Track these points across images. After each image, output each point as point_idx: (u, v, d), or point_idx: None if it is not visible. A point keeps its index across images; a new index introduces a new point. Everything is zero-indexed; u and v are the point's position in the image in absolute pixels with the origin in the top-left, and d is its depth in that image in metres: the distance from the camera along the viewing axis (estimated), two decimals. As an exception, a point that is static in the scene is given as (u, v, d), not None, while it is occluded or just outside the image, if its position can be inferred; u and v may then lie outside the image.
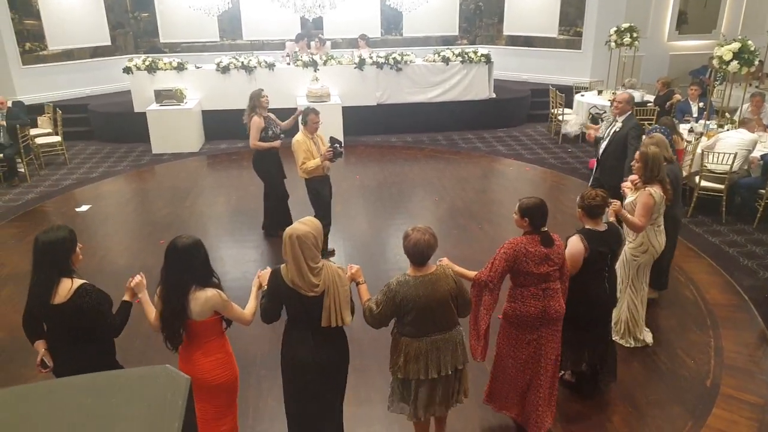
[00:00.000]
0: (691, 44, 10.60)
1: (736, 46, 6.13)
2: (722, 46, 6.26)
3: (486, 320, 2.86)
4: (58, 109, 8.25)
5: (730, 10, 10.51)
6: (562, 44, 10.48)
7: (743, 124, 6.06)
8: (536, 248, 2.81)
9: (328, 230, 5.02)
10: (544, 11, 10.48)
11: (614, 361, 3.47)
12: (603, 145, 4.92)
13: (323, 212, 4.93)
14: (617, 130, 4.85)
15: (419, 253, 2.56)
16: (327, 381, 2.63)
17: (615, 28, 8.80)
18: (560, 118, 8.74)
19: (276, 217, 5.52)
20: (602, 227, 3.13)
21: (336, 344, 2.61)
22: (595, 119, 7.82)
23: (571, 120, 8.62)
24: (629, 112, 4.87)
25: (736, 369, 3.65)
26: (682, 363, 3.72)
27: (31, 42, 9.49)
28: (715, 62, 6.50)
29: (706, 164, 5.80)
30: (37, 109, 8.66)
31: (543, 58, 10.61)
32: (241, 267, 5.01)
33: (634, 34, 8.64)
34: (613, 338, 3.61)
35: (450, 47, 9.62)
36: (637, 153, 3.73)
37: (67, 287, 2.44)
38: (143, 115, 8.43)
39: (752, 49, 6.17)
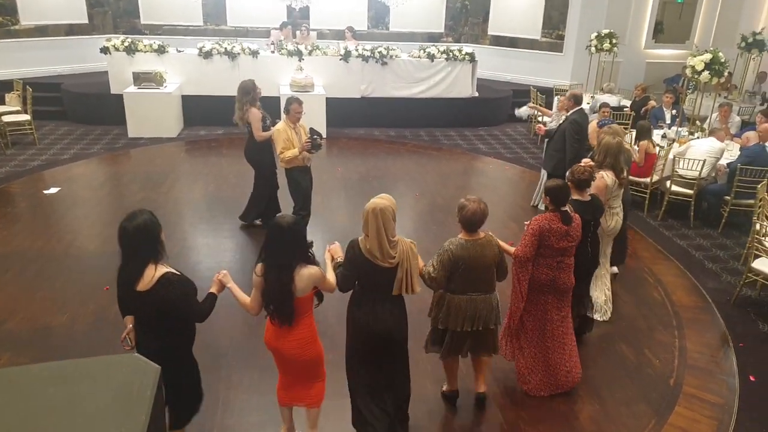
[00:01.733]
0: (666, 53, 10.90)
1: (707, 57, 6.33)
2: (695, 57, 6.45)
3: (525, 285, 3.26)
4: (28, 86, 7.93)
5: (703, 22, 10.85)
6: (545, 46, 10.62)
7: (713, 132, 6.26)
8: (557, 225, 3.18)
9: (306, 221, 4.98)
10: (529, 13, 10.59)
11: (591, 317, 4.00)
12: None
13: (302, 203, 4.89)
14: (561, 123, 5.55)
15: (477, 221, 2.93)
16: (388, 348, 2.83)
17: (596, 34, 8.97)
18: (540, 118, 8.87)
19: (259, 208, 5.39)
20: (587, 198, 3.56)
21: (397, 313, 2.82)
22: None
23: (524, 108, 8.84)
24: (577, 108, 5.43)
25: (698, 369, 3.78)
26: (648, 362, 3.84)
27: (3, 16, 9.09)
28: (687, 71, 6.69)
29: (677, 170, 5.97)
30: (6, 86, 8.31)
31: (525, 59, 10.74)
32: (217, 256, 4.93)
33: (614, 41, 8.83)
34: None
35: (435, 44, 9.64)
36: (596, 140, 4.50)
37: (150, 275, 2.41)
38: (120, 97, 8.18)
39: (722, 60, 6.38)
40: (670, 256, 5.34)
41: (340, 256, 2.87)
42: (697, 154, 5.92)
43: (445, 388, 3.39)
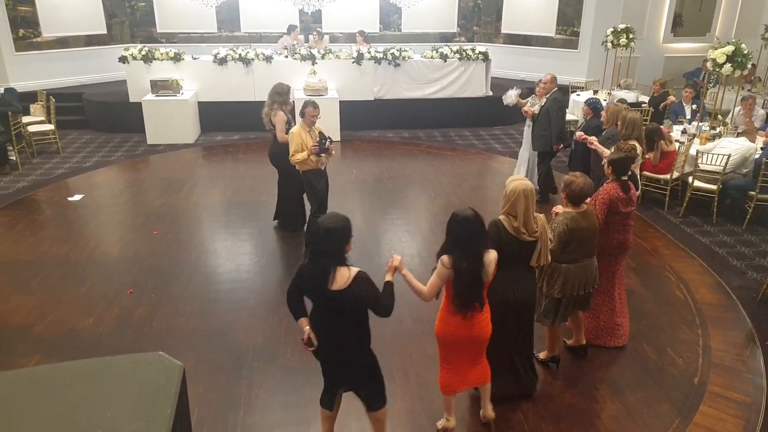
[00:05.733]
0: (685, 47, 10.67)
1: (729, 49, 6.17)
2: (716, 49, 6.30)
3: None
4: (51, 97, 8.17)
5: (725, 13, 10.59)
6: (560, 44, 10.50)
7: (745, 133, 6.16)
8: (619, 193, 3.54)
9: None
10: (542, 11, 10.50)
11: None
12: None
13: (318, 205, 4.93)
14: (542, 104, 6.07)
15: (585, 194, 3.29)
16: (523, 315, 3.16)
17: (611, 29, 8.83)
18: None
19: (290, 210, 5.45)
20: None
21: (533, 283, 3.17)
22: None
23: (511, 93, 8.43)
24: (555, 89, 6.00)
25: (723, 368, 3.70)
26: (671, 361, 3.77)
27: (25, 29, 9.37)
28: (708, 65, 6.54)
29: (700, 165, 5.84)
30: (30, 97, 8.56)
31: (540, 57, 10.63)
32: (235, 259, 5.00)
33: (630, 36, 8.68)
34: None
35: (448, 44, 9.61)
36: (605, 112, 5.17)
37: (345, 275, 2.48)
38: (138, 105, 8.37)
39: (745, 52, 6.21)
40: (692, 253, 5.23)
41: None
42: (726, 149, 5.80)
43: (543, 355, 3.62)
